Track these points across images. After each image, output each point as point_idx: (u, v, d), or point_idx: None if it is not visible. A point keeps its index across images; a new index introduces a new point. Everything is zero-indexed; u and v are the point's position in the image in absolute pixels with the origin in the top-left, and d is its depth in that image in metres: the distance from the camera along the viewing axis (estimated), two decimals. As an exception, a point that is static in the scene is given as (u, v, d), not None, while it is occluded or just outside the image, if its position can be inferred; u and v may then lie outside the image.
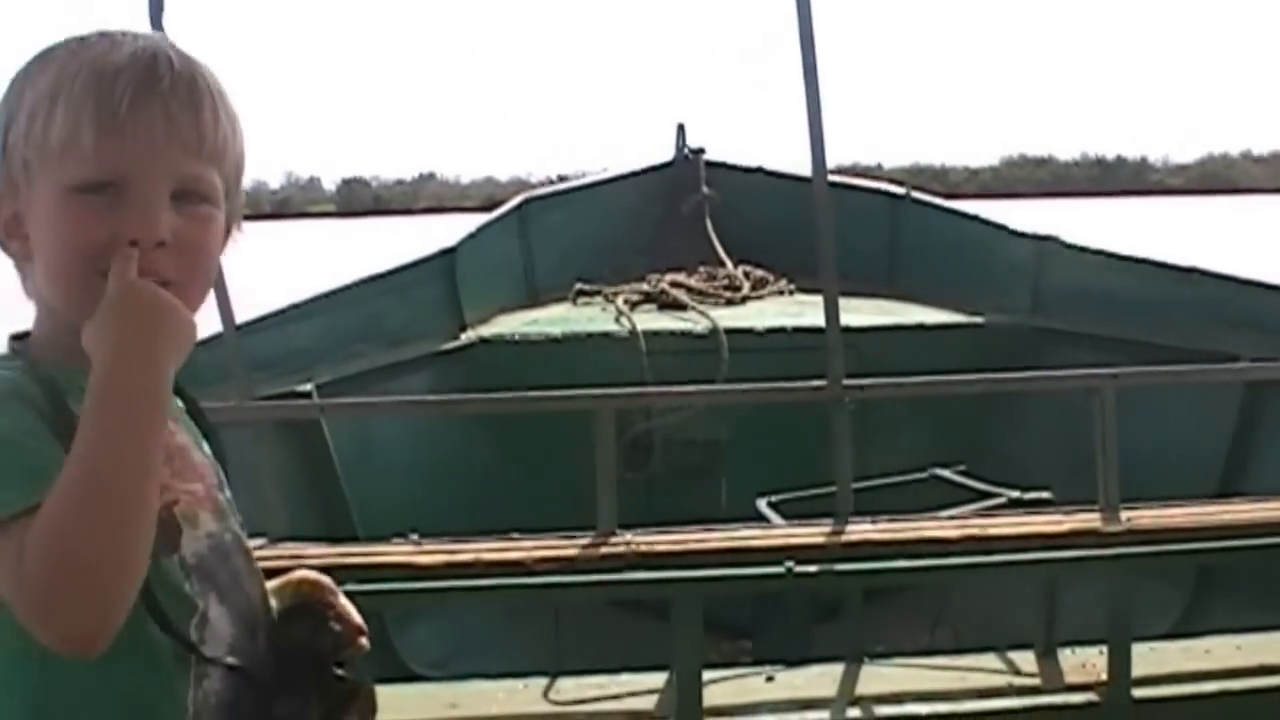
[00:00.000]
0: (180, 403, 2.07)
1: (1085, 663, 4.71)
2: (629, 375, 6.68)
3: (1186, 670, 4.66)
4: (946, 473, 6.37)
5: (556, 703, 4.74)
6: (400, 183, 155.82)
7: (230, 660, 1.89)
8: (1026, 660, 4.78)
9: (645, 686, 4.74)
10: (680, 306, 7.79)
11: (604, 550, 4.74)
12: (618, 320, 7.47)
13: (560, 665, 5.03)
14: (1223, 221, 59.44)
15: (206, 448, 2.08)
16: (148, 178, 1.84)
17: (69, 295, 1.86)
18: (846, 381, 5.09)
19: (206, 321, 5.28)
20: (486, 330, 7.54)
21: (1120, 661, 4.51)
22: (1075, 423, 5.29)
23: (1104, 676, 4.55)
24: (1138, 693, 4.53)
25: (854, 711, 4.63)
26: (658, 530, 4.87)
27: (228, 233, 2.01)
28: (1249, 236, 40.37)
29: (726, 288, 8.22)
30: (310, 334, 6.61)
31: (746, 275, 8.44)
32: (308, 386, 6.26)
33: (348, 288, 6.96)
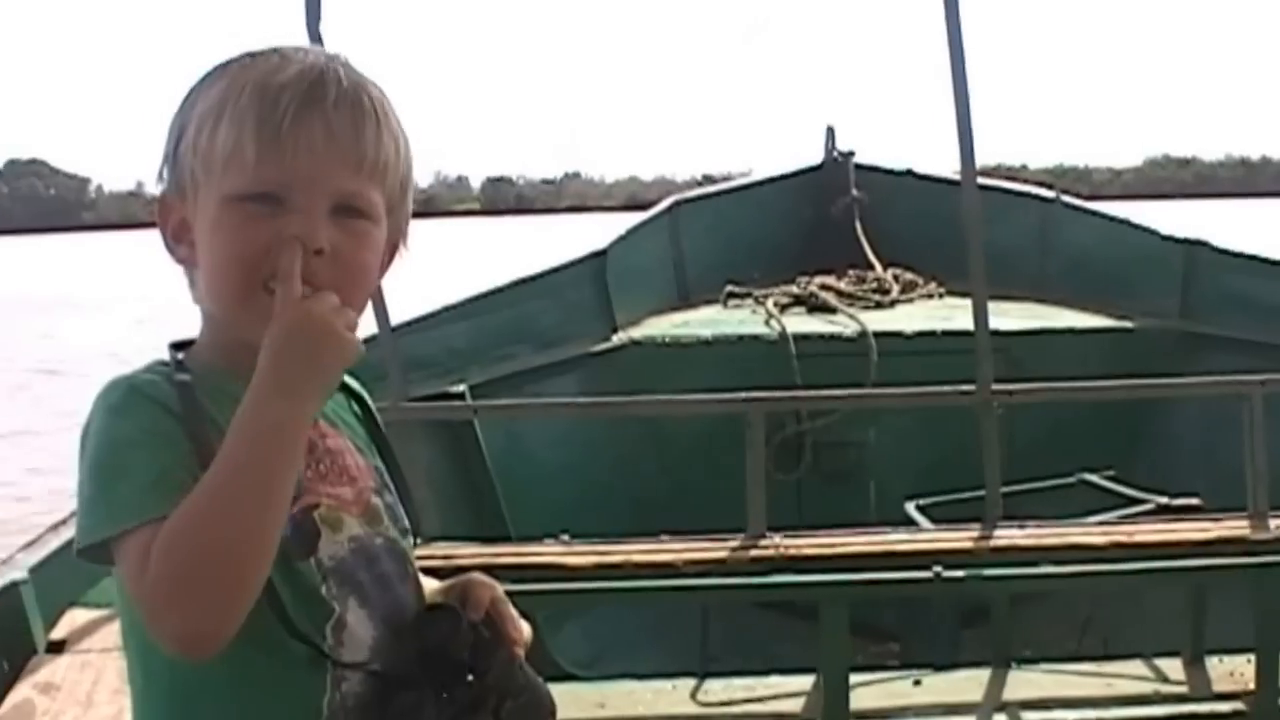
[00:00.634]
0: (354, 405, 2.11)
1: (1233, 671, 4.69)
2: (778, 377, 6.72)
3: None
4: (1094, 478, 6.35)
5: (704, 704, 4.78)
6: (547, 182, 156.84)
7: (362, 662, 1.89)
8: (1173, 668, 4.77)
9: (792, 689, 4.78)
10: (829, 309, 7.82)
11: (753, 553, 4.79)
12: (767, 323, 7.51)
13: (708, 666, 5.08)
14: (1375, 222, 58.27)
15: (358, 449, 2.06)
16: (307, 190, 1.87)
17: (226, 300, 1.90)
18: (995, 386, 5.10)
19: (362, 323, 5.43)
20: (637, 332, 7.59)
21: (1268, 670, 4.48)
22: (1224, 429, 5.27)
23: (1251, 685, 4.52)
24: None
25: (1000, 717, 4.63)
26: (806, 533, 4.91)
27: (392, 251, 2.03)
28: (1407, 237, 39.54)
29: (875, 291, 8.24)
30: (463, 335, 6.71)
31: (896, 278, 8.45)
32: (460, 388, 6.35)
33: (500, 290, 7.05)
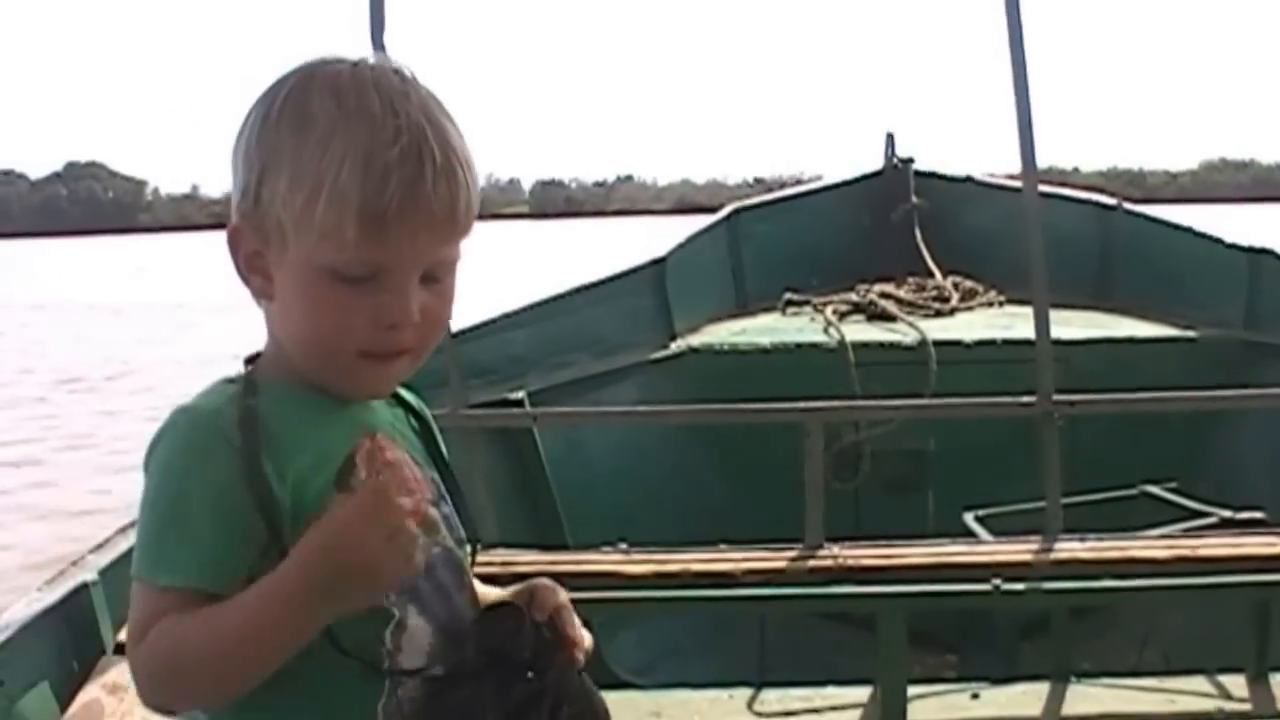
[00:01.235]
0: (411, 418, 2.14)
1: None
2: (837, 386, 6.70)
3: None
4: (1156, 490, 6.30)
5: (760, 714, 4.78)
6: (598, 184, 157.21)
7: (419, 669, 1.92)
8: (1237, 684, 4.72)
9: (849, 700, 4.76)
10: (889, 317, 7.79)
11: (811, 564, 4.77)
12: (826, 331, 7.49)
13: (765, 676, 5.07)
14: None
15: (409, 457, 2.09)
16: (404, 269, 1.90)
17: (311, 360, 1.96)
18: (1056, 397, 5.07)
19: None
20: (696, 340, 7.59)
21: None
22: None
23: None
24: None
25: None
26: (865, 544, 4.88)
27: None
28: None
29: (935, 299, 8.20)
30: (523, 342, 6.72)
31: (955, 286, 8.41)
32: (520, 394, 6.36)
33: (559, 297, 7.06)
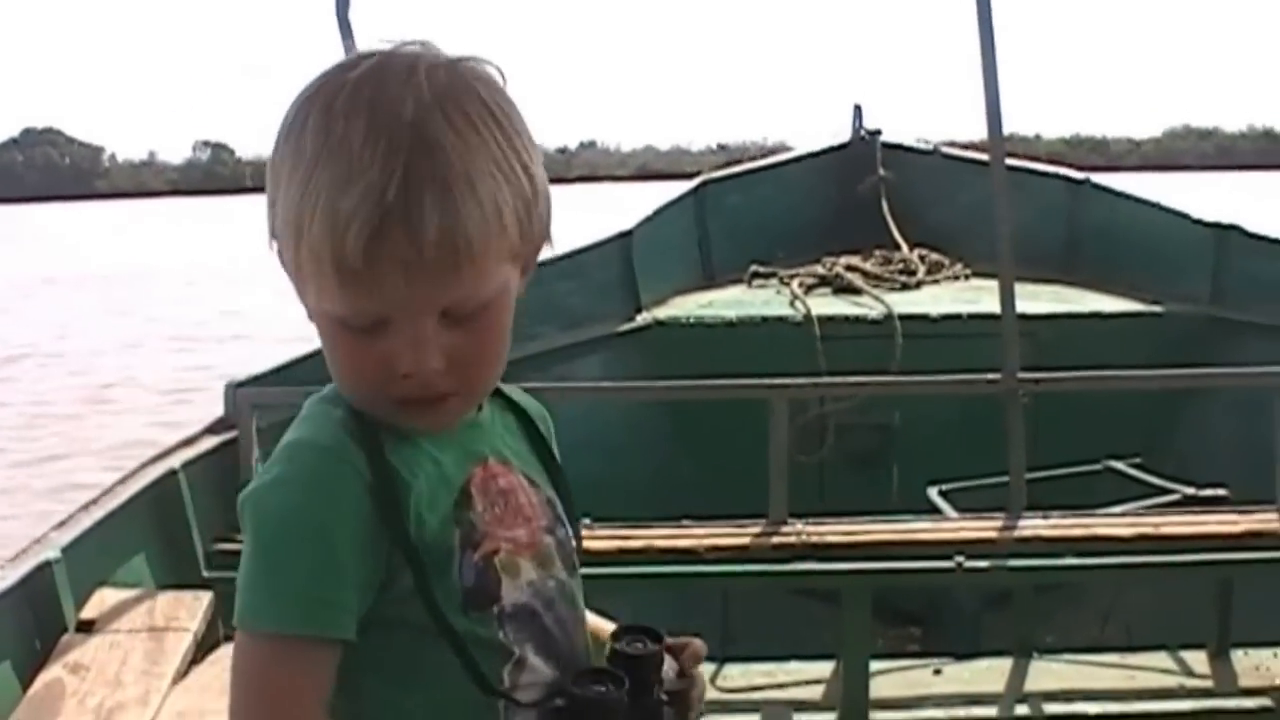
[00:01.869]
0: (519, 421, 2.02)
1: (1259, 665, 4.66)
2: (803, 359, 6.69)
3: None
4: (1121, 465, 6.31)
5: (723, 688, 4.78)
6: (561, 151, 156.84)
7: (541, 700, 1.83)
8: (1199, 661, 4.74)
9: (812, 675, 4.77)
10: (855, 290, 7.77)
11: (775, 540, 4.76)
12: (792, 304, 7.48)
13: (728, 650, 5.07)
14: None
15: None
16: (407, 315, 1.72)
17: (364, 406, 1.79)
18: (1022, 375, 5.07)
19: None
20: (662, 312, 7.57)
21: None
22: (1254, 418, 5.23)
23: (1278, 681, 4.50)
24: None
25: (1022, 708, 4.62)
26: (830, 520, 4.88)
27: (528, 265, 1.88)
28: None
29: (902, 272, 8.18)
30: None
31: (922, 259, 8.38)
32: None
33: None
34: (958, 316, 7.17)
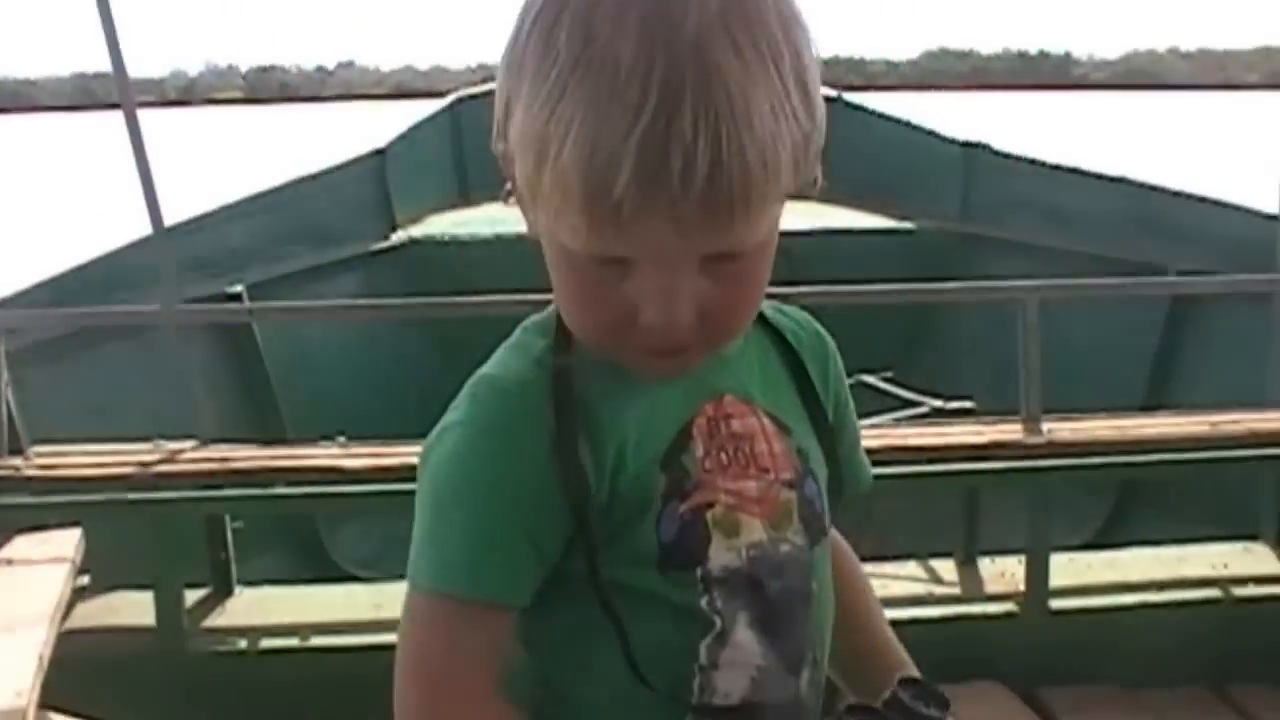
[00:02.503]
0: (781, 351, 1.69)
1: (1004, 572, 4.78)
2: None
3: (1104, 581, 4.73)
4: (872, 379, 6.42)
5: None
6: (319, 70, 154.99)
7: (737, 706, 1.56)
8: (947, 569, 4.85)
9: None
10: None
11: None
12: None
13: None
14: (1148, 118, 59.53)
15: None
16: (661, 262, 1.43)
17: (582, 336, 1.53)
18: (772, 289, 5.12)
19: (136, 224, 5.31)
20: (417, 230, 7.52)
21: (1038, 572, 4.58)
22: (1000, 332, 5.34)
23: (1022, 586, 4.62)
24: (1055, 603, 4.61)
25: None
26: None
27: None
28: (1174, 134, 40.43)
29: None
30: (240, 235, 6.58)
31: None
32: (238, 288, 6.24)
33: (278, 188, 6.92)
34: None
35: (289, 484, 4.54)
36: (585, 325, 1.51)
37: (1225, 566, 4.75)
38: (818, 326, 1.75)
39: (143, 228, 5.15)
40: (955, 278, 6.33)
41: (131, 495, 4.42)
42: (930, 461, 4.74)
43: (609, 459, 1.51)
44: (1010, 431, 4.88)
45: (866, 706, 1.61)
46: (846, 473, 1.71)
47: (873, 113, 8.49)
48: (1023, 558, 4.65)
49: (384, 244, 7.34)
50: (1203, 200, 6.41)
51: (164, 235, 5.20)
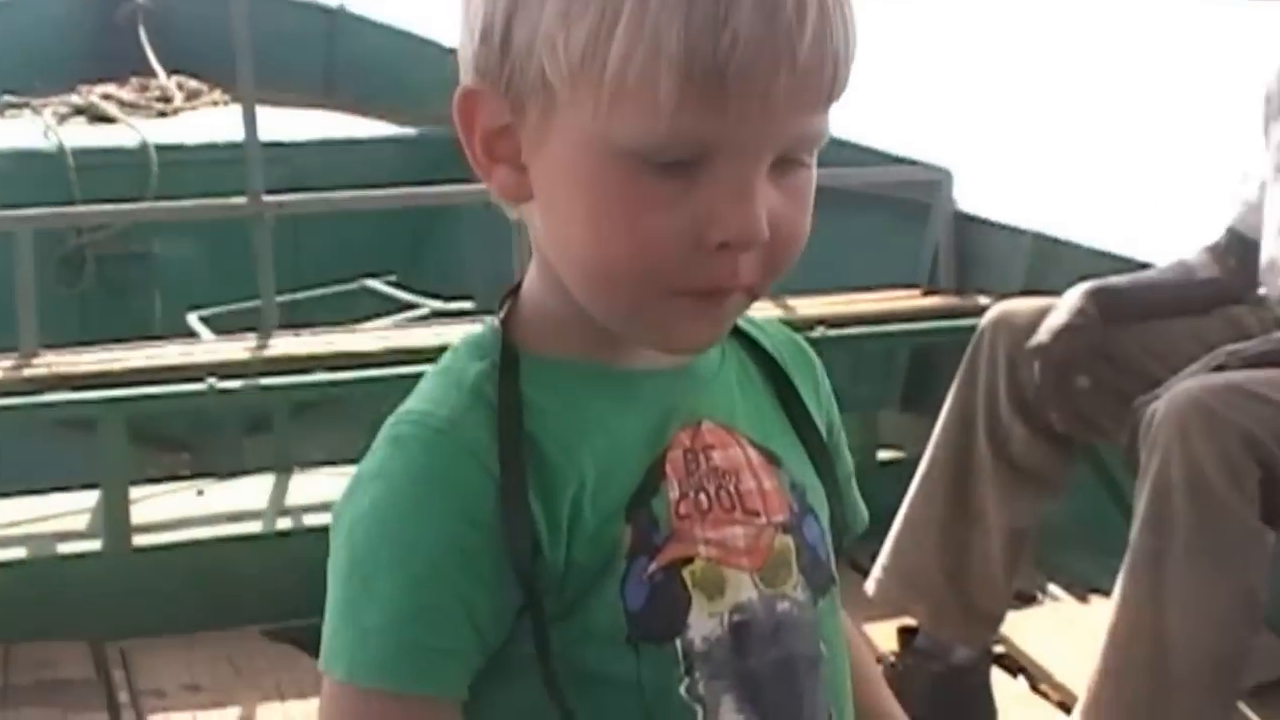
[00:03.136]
0: (757, 362, 1.45)
1: None
2: (57, 192, 6.55)
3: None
4: (376, 284, 6.52)
5: None
6: None
7: None
8: None
9: (76, 506, 4.77)
10: (110, 119, 7.65)
11: (25, 372, 4.70)
12: (45, 135, 7.30)
13: None
14: None
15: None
16: (749, 152, 1.22)
17: (602, 301, 1.29)
18: (267, 198, 5.16)
19: None
20: None
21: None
22: (497, 234, 5.46)
23: None
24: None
25: (284, 521, 4.76)
26: (83, 349, 4.85)
27: None
28: None
29: (158, 99, 8.09)
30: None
31: (180, 86, 8.30)
32: None
33: None
34: (213, 145, 7.16)
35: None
36: (630, 265, 1.23)
37: None
38: (796, 337, 1.50)
39: None
40: (458, 182, 6.44)
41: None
42: (428, 361, 4.83)
43: (564, 511, 1.26)
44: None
45: None
46: (839, 513, 1.44)
47: (374, 23, 8.53)
48: None
49: None
50: None
51: None
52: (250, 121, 5.17)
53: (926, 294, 5.29)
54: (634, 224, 1.21)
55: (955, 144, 5.99)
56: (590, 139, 1.21)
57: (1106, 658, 3.30)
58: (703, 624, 1.28)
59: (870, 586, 3.89)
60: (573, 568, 1.25)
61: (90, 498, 4.76)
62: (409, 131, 7.63)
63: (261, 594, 4.55)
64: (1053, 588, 4.64)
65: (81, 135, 7.35)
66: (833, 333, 4.93)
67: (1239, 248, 3.90)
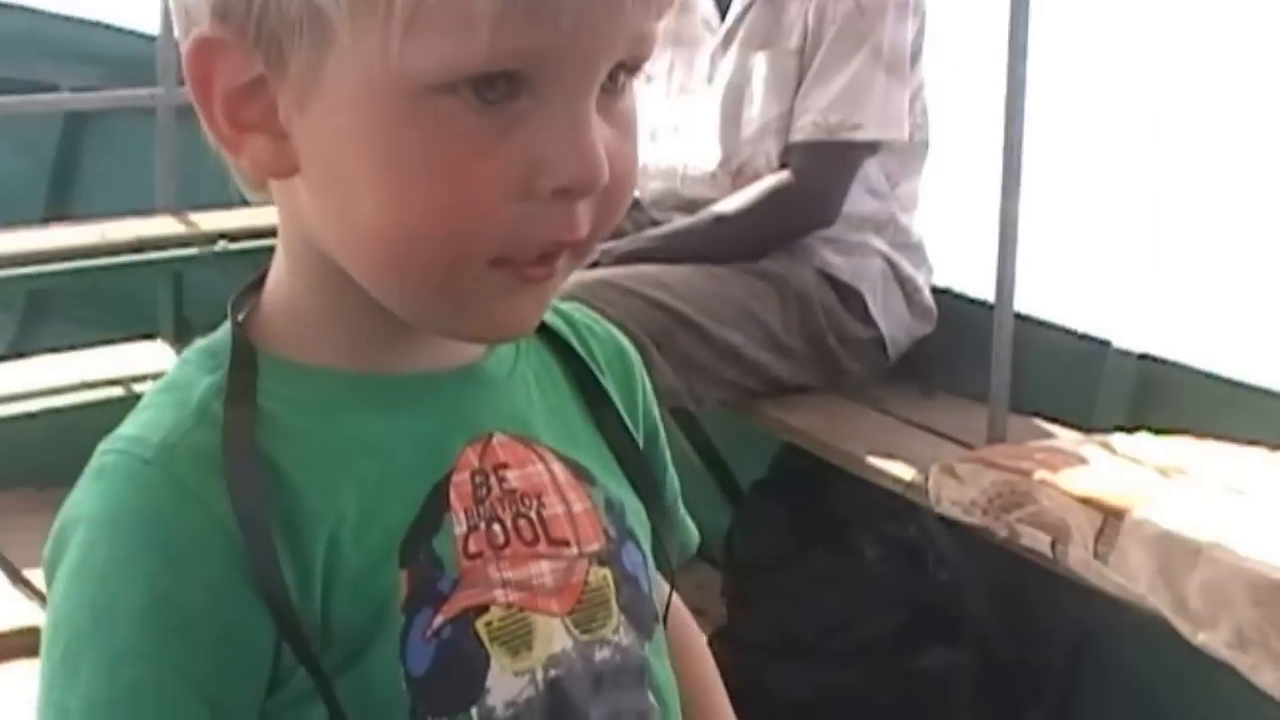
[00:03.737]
0: (559, 359, 1.13)
1: None
2: None
3: (21, 391, 4.40)
4: None
5: None
6: None
7: None
8: None
9: None
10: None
11: None
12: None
13: None
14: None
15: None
16: (583, 70, 0.92)
17: (394, 286, 0.97)
18: None
19: None
20: None
21: None
22: None
23: None
24: None
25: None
26: None
27: None
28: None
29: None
30: None
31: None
32: None
33: None
34: None
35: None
36: (442, 223, 0.92)
37: (128, 365, 4.43)
38: (611, 329, 1.19)
39: None
40: None
41: None
42: None
43: (317, 554, 0.95)
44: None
45: None
46: (665, 534, 1.14)
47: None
48: None
49: None
50: (91, 23, 5.98)
51: None
52: None
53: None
54: (444, 178, 0.90)
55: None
56: (380, 79, 0.89)
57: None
58: (506, 686, 0.98)
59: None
60: (334, 625, 0.95)
61: None
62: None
63: None
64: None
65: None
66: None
67: None
